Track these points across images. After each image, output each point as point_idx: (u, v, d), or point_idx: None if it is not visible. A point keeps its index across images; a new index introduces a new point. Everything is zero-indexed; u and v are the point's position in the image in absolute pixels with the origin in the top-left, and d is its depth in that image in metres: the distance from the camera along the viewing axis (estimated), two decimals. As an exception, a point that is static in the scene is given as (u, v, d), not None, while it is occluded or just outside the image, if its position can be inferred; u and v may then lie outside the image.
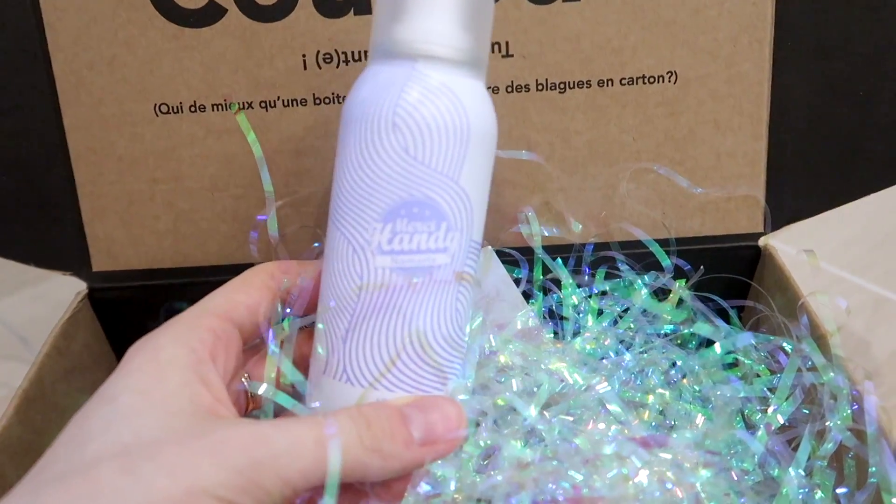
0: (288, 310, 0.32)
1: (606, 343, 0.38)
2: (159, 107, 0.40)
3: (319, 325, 0.31)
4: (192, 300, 0.31)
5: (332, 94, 0.40)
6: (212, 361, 0.28)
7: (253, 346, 0.33)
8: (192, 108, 0.40)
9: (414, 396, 0.29)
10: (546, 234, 0.41)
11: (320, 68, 0.39)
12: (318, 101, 0.40)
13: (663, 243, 0.40)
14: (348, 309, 0.30)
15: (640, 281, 0.40)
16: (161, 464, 0.23)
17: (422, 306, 0.29)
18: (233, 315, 0.31)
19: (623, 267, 0.41)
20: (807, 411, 0.33)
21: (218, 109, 0.40)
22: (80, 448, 0.24)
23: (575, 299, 0.40)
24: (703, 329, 0.35)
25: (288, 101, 0.40)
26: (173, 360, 0.27)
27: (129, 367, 0.27)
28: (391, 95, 0.28)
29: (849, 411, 0.32)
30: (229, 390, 0.30)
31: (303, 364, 0.32)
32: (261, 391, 0.30)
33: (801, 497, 0.31)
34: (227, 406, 0.28)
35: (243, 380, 0.32)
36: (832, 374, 0.32)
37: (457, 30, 0.29)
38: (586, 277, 0.41)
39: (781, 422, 0.33)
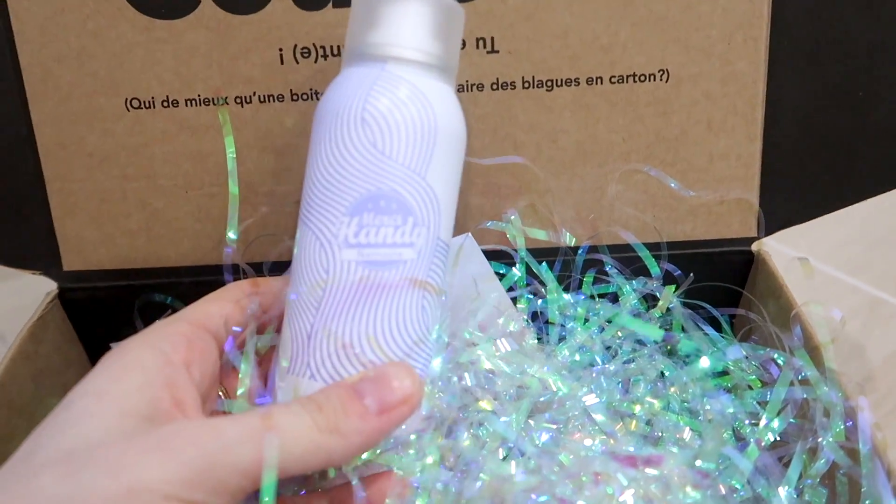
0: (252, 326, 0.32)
1: (594, 349, 0.37)
2: (130, 101, 0.39)
3: (286, 329, 0.31)
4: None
5: (310, 89, 0.38)
6: (184, 366, 0.28)
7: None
8: (165, 103, 0.39)
9: (364, 371, 0.29)
10: (531, 236, 0.40)
11: (298, 63, 0.38)
12: (295, 97, 0.38)
13: (653, 247, 0.39)
14: (313, 304, 0.30)
15: (628, 286, 0.39)
16: (102, 465, 0.23)
17: (387, 302, 0.30)
18: (207, 324, 0.31)
19: (612, 271, 0.39)
20: (798, 425, 0.32)
21: (191, 105, 0.38)
22: (29, 457, 0.24)
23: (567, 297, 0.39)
24: (688, 346, 0.33)
25: (264, 96, 0.38)
26: (137, 362, 0.27)
27: (95, 371, 0.27)
28: (361, 92, 0.29)
29: (842, 428, 0.31)
30: (207, 397, 0.30)
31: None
32: (235, 407, 0.30)
33: (791, 516, 0.30)
34: (194, 410, 0.28)
35: (220, 394, 0.32)
36: (825, 388, 0.31)
37: (426, 36, 0.30)
38: (576, 283, 0.40)
39: (772, 438, 0.32)
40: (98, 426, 0.25)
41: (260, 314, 0.33)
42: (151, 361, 0.27)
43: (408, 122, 0.29)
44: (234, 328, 0.32)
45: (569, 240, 0.40)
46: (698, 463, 0.31)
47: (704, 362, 0.33)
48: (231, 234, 0.37)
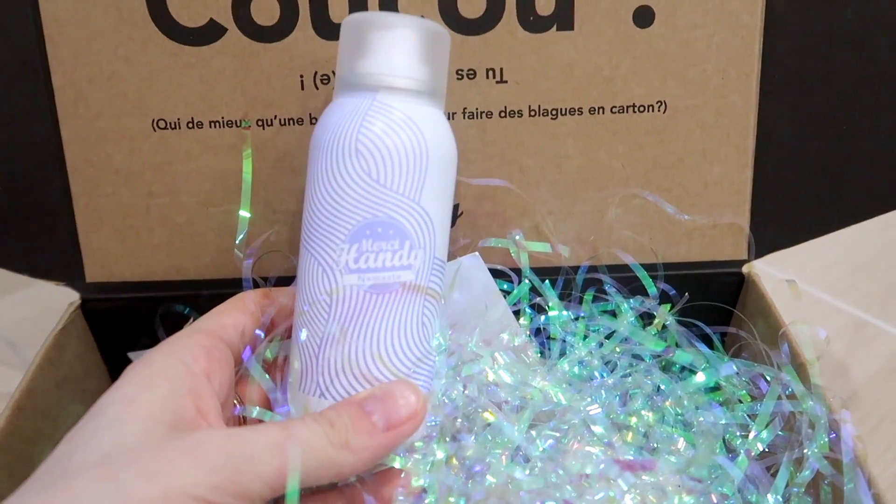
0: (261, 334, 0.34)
1: (593, 364, 0.39)
2: (157, 122, 0.40)
3: (294, 348, 0.32)
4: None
5: (329, 114, 0.40)
6: (205, 376, 0.30)
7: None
8: (190, 125, 0.40)
9: (371, 389, 0.31)
10: (533, 251, 0.42)
11: (317, 89, 0.40)
12: (314, 121, 0.40)
13: (650, 268, 0.41)
14: (319, 327, 0.31)
15: (625, 305, 0.41)
16: (139, 469, 0.25)
17: (388, 323, 0.31)
18: (222, 335, 0.32)
19: (610, 290, 0.41)
20: (786, 437, 0.34)
21: (215, 126, 0.40)
22: (65, 460, 0.25)
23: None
24: (683, 357, 0.35)
25: (284, 119, 0.40)
26: (163, 372, 0.29)
27: (122, 380, 0.29)
28: (354, 123, 0.31)
29: (826, 440, 0.32)
30: (224, 406, 0.31)
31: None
32: (254, 414, 0.31)
33: (778, 522, 0.32)
34: (216, 418, 0.29)
35: (235, 402, 0.33)
36: (811, 402, 0.33)
37: (415, 63, 0.32)
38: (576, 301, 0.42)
39: (761, 449, 0.34)
40: (131, 432, 0.26)
41: (271, 325, 0.34)
42: (175, 372, 0.29)
43: (400, 151, 0.30)
44: (257, 332, 0.33)
45: (568, 256, 0.42)
46: (691, 471, 0.33)
47: (700, 377, 0.35)
48: (237, 252, 0.39)
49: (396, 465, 0.31)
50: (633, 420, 0.37)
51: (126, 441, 0.26)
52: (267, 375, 0.33)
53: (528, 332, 0.41)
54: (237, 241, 0.40)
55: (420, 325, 0.32)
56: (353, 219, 0.31)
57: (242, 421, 0.33)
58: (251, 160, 0.40)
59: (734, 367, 0.35)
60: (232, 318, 0.33)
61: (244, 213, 0.40)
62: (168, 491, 0.24)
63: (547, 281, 0.41)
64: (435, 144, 0.31)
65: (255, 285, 0.39)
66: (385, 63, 0.31)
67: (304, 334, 0.32)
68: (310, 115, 0.40)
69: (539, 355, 0.40)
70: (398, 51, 0.32)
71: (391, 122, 0.31)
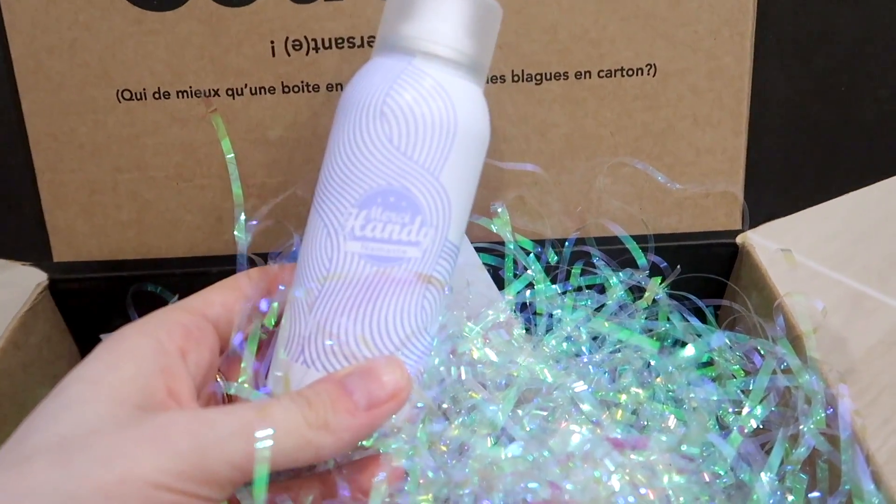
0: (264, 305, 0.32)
1: (580, 339, 0.38)
2: (122, 93, 0.39)
3: (287, 310, 0.31)
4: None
5: (302, 82, 0.38)
6: (180, 354, 0.28)
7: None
8: (157, 95, 0.39)
9: (354, 365, 0.29)
10: (518, 228, 0.40)
11: (289, 55, 0.38)
12: (286, 90, 0.39)
13: (640, 239, 0.40)
14: (313, 294, 0.30)
15: (615, 278, 0.39)
16: (95, 454, 0.23)
17: (388, 298, 0.29)
18: (207, 312, 0.31)
19: (599, 263, 0.40)
20: (780, 412, 0.33)
21: (182, 96, 0.39)
22: (20, 443, 0.24)
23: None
24: (673, 332, 0.34)
25: (255, 89, 0.39)
26: (132, 350, 0.27)
27: (89, 358, 0.27)
28: (384, 85, 0.29)
29: (822, 415, 0.31)
30: (202, 386, 0.30)
31: None
32: (231, 390, 0.30)
33: (772, 501, 0.30)
34: (189, 400, 0.28)
35: (218, 378, 0.31)
36: (807, 376, 0.32)
37: (458, 32, 0.30)
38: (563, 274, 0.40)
39: (755, 425, 0.32)
40: (91, 413, 0.25)
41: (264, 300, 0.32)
42: (146, 349, 0.27)
43: (426, 120, 0.29)
44: (244, 304, 0.31)
45: (557, 232, 0.41)
46: (683, 448, 0.31)
47: (690, 350, 0.34)
48: (238, 233, 0.36)
49: (378, 448, 0.30)
50: (623, 398, 0.36)
51: (85, 423, 0.24)
52: (251, 349, 0.31)
53: (514, 308, 0.39)
54: (237, 224, 0.37)
55: (420, 307, 0.30)
56: (366, 184, 0.29)
57: (226, 397, 0.31)
58: (229, 142, 0.38)
59: (725, 339, 0.33)
60: (221, 295, 0.31)
61: (237, 191, 0.38)
62: (125, 478, 0.23)
63: (532, 255, 0.40)
64: (465, 120, 0.29)
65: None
66: (427, 28, 0.30)
67: (301, 293, 0.30)
68: (282, 83, 0.39)
69: (525, 332, 0.39)
70: (442, 17, 0.30)
71: (422, 88, 0.29)
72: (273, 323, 0.32)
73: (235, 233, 0.36)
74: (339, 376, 0.28)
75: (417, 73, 0.29)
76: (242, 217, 0.36)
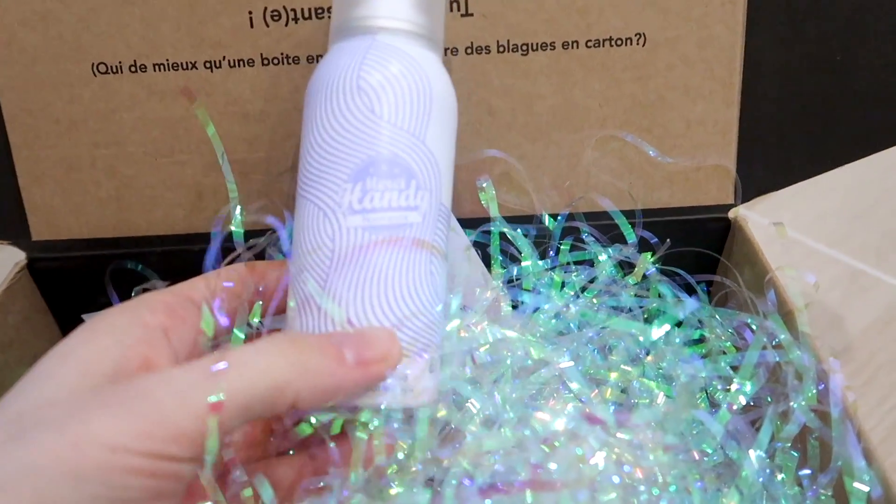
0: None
1: (569, 315, 0.37)
2: (98, 66, 0.38)
3: (290, 304, 0.30)
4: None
5: (281, 54, 0.37)
6: (161, 330, 0.28)
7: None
8: (133, 68, 0.38)
9: (347, 331, 0.29)
10: (506, 203, 0.39)
11: (268, 26, 0.37)
12: (265, 62, 0.38)
13: (630, 214, 0.39)
14: (321, 274, 0.29)
15: (604, 253, 0.38)
16: (48, 422, 0.23)
17: (395, 268, 0.29)
18: (192, 295, 0.30)
19: (588, 238, 0.39)
20: (771, 389, 0.32)
21: (159, 70, 0.38)
22: None
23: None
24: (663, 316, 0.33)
25: (234, 61, 0.38)
26: (110, 325, 0.27)
27: (67, 336, 0.27)
28: (353, 63, 0.29)
29: (814, 391, 0.30)
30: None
31: None
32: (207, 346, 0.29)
33: (762, 479, 0.30)
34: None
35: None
36: (798, 352, 0.31)
37: (413, 7, 0.31)
38: (552, 251, 0.39)
39: (744, 402, 0.31)
40: (55, 386, 0.24)
41: (248, 292, 0.32)
42: (124, 325, 0.27)
43: (403, 87, 0.29)
44: (225, 283, 0.31)
45: (544, 207, 0.40)
46: (669, 426, 0.31)
47: (665, 326, 0.32)
48: (234, 228, 0.35)
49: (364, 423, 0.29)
50: (612, 376, 0.35)
51: (44, 396, 0.24)
52: (238, 333, 0.30)
53: (501, 285, 0.38)
54: (234, 215, 0.36)
55: (427, 273, 0.30)
56: (356, 157, 0.29)
57: None
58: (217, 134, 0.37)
59: (699, 303, 0.33)
60: (206, 281, 0.31)
61: (232, 188, 0.36)
62: (78, 441, 0.22)
63: (520, 230, 0.39)
64: (438, 86, 0.30)
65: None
66: (383, 6, 0.31)
67: (296, 282, 0.30)
68: (261, 55, 0.37)
69: (512, 309, 0.38)
70: None
71: (393, 60, 0.30)
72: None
73: (232, 227, 0.35)
74: (329, 335, 0.28)
75: (385, 47, 0.30)
76: (238, 211, 0.35)
